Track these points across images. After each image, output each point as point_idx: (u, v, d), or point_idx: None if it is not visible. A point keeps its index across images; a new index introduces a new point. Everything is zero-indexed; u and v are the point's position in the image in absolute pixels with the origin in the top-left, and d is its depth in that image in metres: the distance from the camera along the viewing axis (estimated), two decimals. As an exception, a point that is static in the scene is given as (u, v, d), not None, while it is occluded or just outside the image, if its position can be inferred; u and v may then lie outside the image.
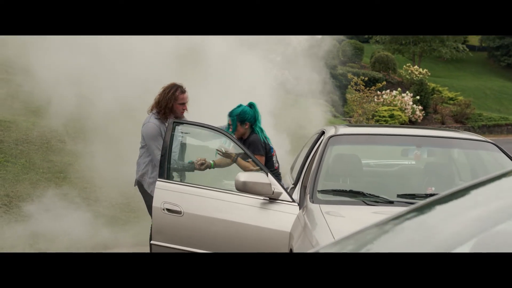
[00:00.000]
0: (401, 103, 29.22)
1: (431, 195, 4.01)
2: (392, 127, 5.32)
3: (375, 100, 21.36)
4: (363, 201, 3.88)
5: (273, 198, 4.24)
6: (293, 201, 4.25)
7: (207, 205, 4.42)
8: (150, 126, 5.36)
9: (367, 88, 19.67)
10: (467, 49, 46.23)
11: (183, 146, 5.22)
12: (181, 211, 4.48)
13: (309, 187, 4.16)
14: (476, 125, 33.44)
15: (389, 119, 27.11)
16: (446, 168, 4.86)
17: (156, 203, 4.59)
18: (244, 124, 5.34)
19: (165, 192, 4.59)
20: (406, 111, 28.98)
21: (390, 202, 3.87)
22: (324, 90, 24.81)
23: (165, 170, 4.64)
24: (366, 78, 21.81)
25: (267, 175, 4.30)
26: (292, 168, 5.65)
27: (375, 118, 20.43)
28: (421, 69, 36.23)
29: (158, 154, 4.97)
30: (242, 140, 5.34)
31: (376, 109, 21.80)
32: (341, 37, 36.74)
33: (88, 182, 8.55)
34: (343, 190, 4.09)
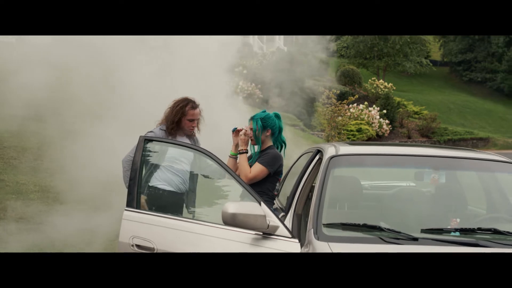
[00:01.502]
0: (368, 117, 28.93)
1: (463, 229, 3.32)
2: (399, 146, 4.59)
3: (346, 114, 20.77)
4: (381, 238, 3.15)
5: (267, 233, 3.47)
6: (293, 236, 3.48)
7: (186, 241, 3.64)
8: (149, 134, 4.89)
9: (339, 102, 19.11)
10: (431, 64, 46.52)
11: (155, 167, 4.48)
12: (153, 247, 3.69)
13: (312, 219, 3.41)
14: (441, 139, 33.42)
15: (357, 133, 26.71)
16: (455, 191, 4.19)
17: (123, 237, 3.79)
18: (266, 130, 4.86)
19: (135, 225, 3.80)
20: (373, 125, 28.69)
21: (414, 240, 3.15)
22: (291, 103, 24.30)
23: (134, 197, 3.84)
24: (338, 91, 21.31)
25: (260, 205, 3.54)
26: (278, 191, 4.90)
27: (342, 132, 19.84)
28: (386, 83, 36.25)
29: None
30: (259, 150, 4.92)
31: (348, 123, 21.26)
32: (307, 51, 36.44)
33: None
34: (355, 224, 3.34)
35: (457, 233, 3.32)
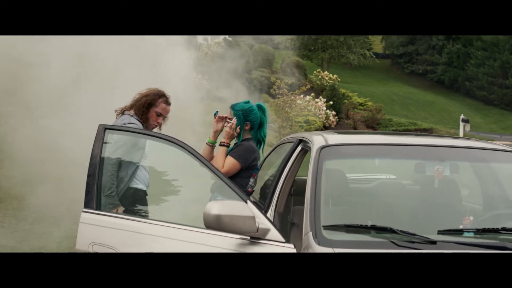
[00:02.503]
0: (315, 108, 28.69)
1: (485, 230, 2.88)
2: (395, 135, 4.11)
3: (293, 106, 20.38)
4: (394, 243, 2.67)
5: (256, 238, 2.94)
6: (287, 241, 2.95)
7: (158, 248, 3.07)
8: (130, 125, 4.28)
9: (291, 93, 18.68)
10: (374, 56, 46.90)
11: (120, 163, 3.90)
12: (118, 255, 3.11)
13: (309, 221, 2.89)
14: (386, 130, 33.56)
15: (304, 124, 26.40)
16: (458, 185, 3.77)
17: (81, 244, 3.20)
18: (245, 124, 4.34)
19: (95, 229, 3.21)
20: (320, 116, 28.47)
21: (432, 243, 2.69)
22: (238, 94, 23.77)
23: (93, 196, 3.25)
24: (290, 82, 20.94)
25: (247, 202, 3.01)
26: (253, 188, 4.37)
27: (294, 124, 19.47)
28: (331, 75, 36.24)
29: None
30: (239, 142, 4.39)
31: (301, 114, 20.88)
32: (252, 42, 36.01)
33: None
34: (361, 226, 2.84)
35: (471, 233, 2.89)
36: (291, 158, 4.01)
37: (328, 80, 35.75)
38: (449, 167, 3.63)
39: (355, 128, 32.02)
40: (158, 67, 12.77)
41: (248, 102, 4.47)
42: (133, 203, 4.08)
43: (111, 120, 4.39)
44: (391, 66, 58.64)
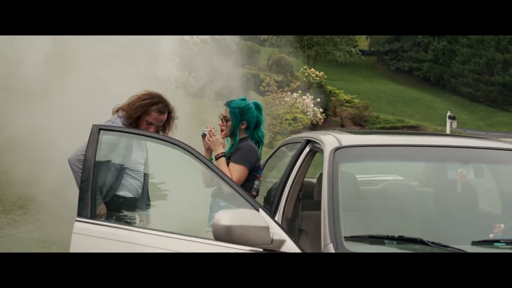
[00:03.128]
0: (302, 105, 28.42)
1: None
2: (407, 135, 3.84)
3: (282, 102, 20.08)
4: (426, 255, 2.40)
5: (270, 250, 2.66)
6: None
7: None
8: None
9: (280, 90, 18.40)
10: (360, 53, 46.88)
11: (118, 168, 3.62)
12: (116, 269, 2.82)
13: (328, 231, 2.62)
14: (374, 127, 33.44)
15: (292, 122, 26.14)
16: (482, 189, 3.52)
17: (74, 256, 2.90)
18: (241, 123, 4.04)
19: (89, 240, 2.92)
20: (307, 113, 28.21)
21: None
22: (225, 92, 23.45)
23: (88, 204, 2.95)
24: (279, 79, 20.68)
25: (259, 211, 2.73)
26: (257, 191, 4.08)
27: (284, 122, 19.19)
28: (317, 72, 36.05)
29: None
30: (235, 144, 4.09)
31: (291, 112, 20.60)
32: (237, 38, 35.69)
33: None
34: (388, 236, 2.57)
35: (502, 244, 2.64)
36: (299, 160, 3.74)
37: (315, 77, 35.54)
38: (473, 169, 3.37)
39: (342, 126, 31.85)
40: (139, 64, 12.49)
41: (244, 99, 4.18)
42: (116, 211, 3.77)
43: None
44: (377, 63, 58.62)
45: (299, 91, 29.67)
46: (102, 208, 3.41)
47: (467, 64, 50.02)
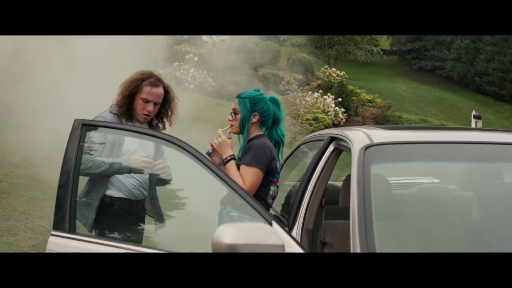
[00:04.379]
0: (323, 105, 27.87)
1: None
2: (448, 130, 3.26)
3: (303, 102, 19.52)
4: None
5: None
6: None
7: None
8: (98, 119, 3.49)
9: (300, 88, 17.85)
10: (381, 52, 46.21)
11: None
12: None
13: (359, 246, 2.08)
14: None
15: (313, 122, 25.60)
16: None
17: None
18: (252, 115, 3.52)
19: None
20: (329, 113, 27.65)
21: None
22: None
23: (65, 214, 2.45)
24: (299, 77, 20.19)
25: (271, 225, 2.20)
26: (274, 198, 3.53)
27: (304, 121, 18.64)
28: (338, 72, 35.52)
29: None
30: (244, 141, 3.59)
31: (312, 111, 20.05)
32: (256, 38, 35.22)
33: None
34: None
35: None
36: (321, 160, 3.20)
37: (336, 77, 35.02)
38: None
39: (364, 125, 31.19)
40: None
41: (258, 90, 3.65)
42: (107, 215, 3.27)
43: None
44: (399, 62, 57.66)
45: (320, 91, 29.14)
46: None
47: (491, 62, 48.93)
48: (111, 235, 3.39)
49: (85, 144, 2.68)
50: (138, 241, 3.32)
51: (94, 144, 3.12)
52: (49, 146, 7.14)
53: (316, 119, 25.94)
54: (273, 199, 3.45)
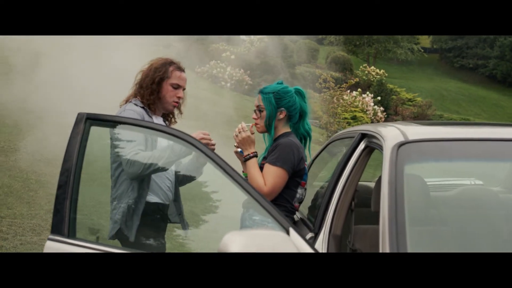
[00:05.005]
0: (362, 104, 27.41)
1: None
2: (494, 126, 2.94)
3: (341, 100, 19.13)
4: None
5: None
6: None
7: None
8: (126, 114, 3.14)
9: (337, 86, 17.49)
10: (422, 50, 45.47)
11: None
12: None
13: (387, 249, 1.81)
14: (438, 127, 32.07)
15: (351, 121, 25.19)
16: None
17: None
18: (279, 111, 3.22)
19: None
20: (367, 112, 27.18)
21: None
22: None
23: (64, 217, 2.22)
24: (336, 75, 19.85)
25: (288, 233, 1.93)
26: (301, 202, 3.25)
27: (341, 120, 18.27)
28: (378, 70, 35.04)
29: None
30: (271, 140, 3.27)
31: (348, 109, 19.68)
32: (295, 37, 34.91)
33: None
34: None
35: None
36: (351, 159, 2.92)
37: (375, 75, 34.55)
38: None
39: (404, 125, 30.63)
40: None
41: (281, 82, 3.33)
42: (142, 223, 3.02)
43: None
44: (440, 60, 56.65)
45: (359, 89, 28.69)
46: None
47: (537, 61, 47.72)
48: (150, 243, 3.16)
49: (115, 143, 2.43)
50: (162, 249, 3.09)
51: (121, 141, 2.90)
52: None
53: (354, 118, 25.51)
54: (300, 202, 3.18)
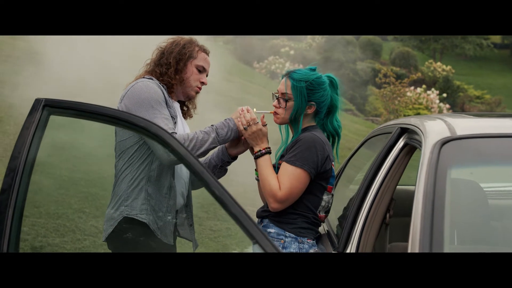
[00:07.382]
0: (426, 101, 26.38)
1: None
2: None
3: (403, 96, 18.30)
4: None
5: None
6: None
7: None
8: (141, 86, 2.69)
9: (398, 81, 16.68)
10: (492, 45, 43.85)
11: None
12: None
13: None
14: (507, 126, 30.68)
15: (415, 119, 24.29)
16: None
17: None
18: (308, 105, 2.66)
19: None
20: (432, 110, 26.16)
21: None
22: (342, 86, 22.11)
23: (5, 230, 1.75)
24: (398, 70, 19.12)
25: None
26: (328, 211, 2.67)
27: (395, 117, 17.49)
28: (444, 66, 33.87)
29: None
30: (294, 135, 2.67)
31: (410, 106, 18.83)
32: (358, 32, 34.12)
33: None
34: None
35: None
36: (387, 160, 2.34)
37: (441, 72, 33.39)
38: None
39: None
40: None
41: (314, 69, 2.72)
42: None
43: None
44: (510, 56, 54.46)
45: (423, 86, 27.67)
46: None
47: None
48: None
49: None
50: None
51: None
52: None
53: (418, 115, 24.59)
54: (327, 212, 2.60)
